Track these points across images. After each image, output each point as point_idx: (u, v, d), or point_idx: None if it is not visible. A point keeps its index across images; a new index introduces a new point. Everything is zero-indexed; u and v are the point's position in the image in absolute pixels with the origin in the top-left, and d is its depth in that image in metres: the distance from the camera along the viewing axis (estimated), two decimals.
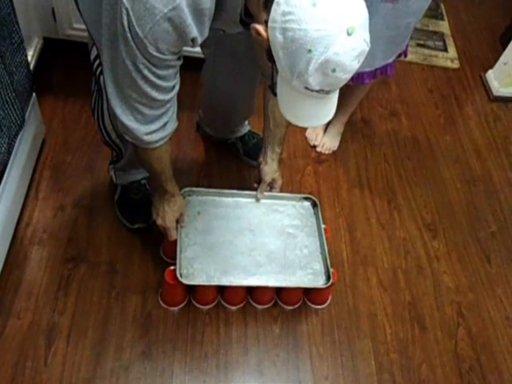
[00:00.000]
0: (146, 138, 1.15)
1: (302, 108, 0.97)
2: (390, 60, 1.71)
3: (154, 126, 1.14)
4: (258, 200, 1.61)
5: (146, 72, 1.00)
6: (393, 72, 1.75)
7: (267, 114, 1.47)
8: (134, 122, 1.11)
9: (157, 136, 1.16)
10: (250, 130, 1.92)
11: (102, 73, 1.25)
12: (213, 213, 1.57)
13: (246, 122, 1.90)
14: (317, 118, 1.01)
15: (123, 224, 1.66)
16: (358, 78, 1.72)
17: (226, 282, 1.45)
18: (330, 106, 1.00)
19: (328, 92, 0.91)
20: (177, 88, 1.12)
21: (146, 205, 1.66)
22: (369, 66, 1.69)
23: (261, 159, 1.55)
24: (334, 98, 0.99)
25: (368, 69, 1.70)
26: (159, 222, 1.42)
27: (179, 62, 1.06)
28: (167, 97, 1.10)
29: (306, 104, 0.95)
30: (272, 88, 1.01)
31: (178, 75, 1.11)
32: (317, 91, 0.89)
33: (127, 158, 1.56)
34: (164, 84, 1.06)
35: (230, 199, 1.61)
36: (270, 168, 1.56)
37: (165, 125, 1.17)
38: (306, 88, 0.89)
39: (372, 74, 1.73)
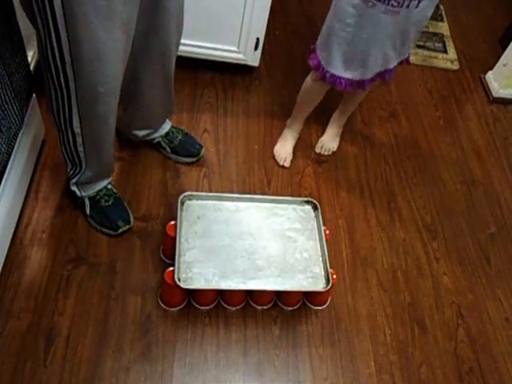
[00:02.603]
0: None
1: None
2: (391, 66, 1.70)
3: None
4: None
5: None
6: (391, 78, 1.73)
7: None
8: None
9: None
10: (172, 126, 1.88)
11: (58, 70, 1.26)
12: (213, 217, 1.57)
13: (167, 119, 1.85)
14: None
15: (106, 234, 1.64)
16: (358, 84, 1.70)
17: (224, 286, 1.45)
18: None
19: None
20: None
21: (120, 206, 1.66)
22: (371, 73, 1.67)
23: None
24: None
25: (369, 76, 1.68)
26: None
27: None
28: None
29: None
30: None
31: None
32: None
33: (91, 170, 1.55)
34: None
35: (229, 203, 1.61)
36: None
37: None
38: None
39: (372, 79, 1.71)
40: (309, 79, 1.79)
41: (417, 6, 1.46)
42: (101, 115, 1.39)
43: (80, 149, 1.48)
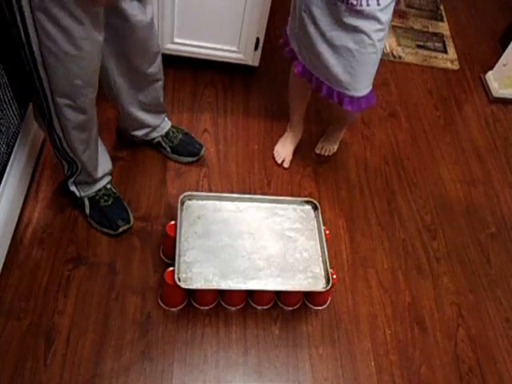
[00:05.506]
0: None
1: None
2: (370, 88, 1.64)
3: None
4: None
5: None
6: (351, 107, 1.65)
7: None
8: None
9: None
10: (172, 126, 1.87)
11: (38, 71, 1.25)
12: (212, 217, 1.57)
13: (166, 118, 1.85)
14: None
15: (106, 233, 1.64)
16: (311, 78, 1.66)
17: (224, 286, 1.45)
18: None
19: None
20: None
21: (120, 205, 1.66)
22: (364, 89, 1.63)
23: None
24: None
25: (365, 92, 1.64)
26: None
27: None
28: None
29: None
30: None
31: None
32: None
33: (87, 165, 1.54)
34: None
35: (229, 203, 1.61)
36: None
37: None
38: None
39: (366, 99, 1.66)
40: (291, 75, 1.81)
41: (378, 4, 1.43)
42: (80, 107, 1.37)
43: (68, 146, 1.46)
